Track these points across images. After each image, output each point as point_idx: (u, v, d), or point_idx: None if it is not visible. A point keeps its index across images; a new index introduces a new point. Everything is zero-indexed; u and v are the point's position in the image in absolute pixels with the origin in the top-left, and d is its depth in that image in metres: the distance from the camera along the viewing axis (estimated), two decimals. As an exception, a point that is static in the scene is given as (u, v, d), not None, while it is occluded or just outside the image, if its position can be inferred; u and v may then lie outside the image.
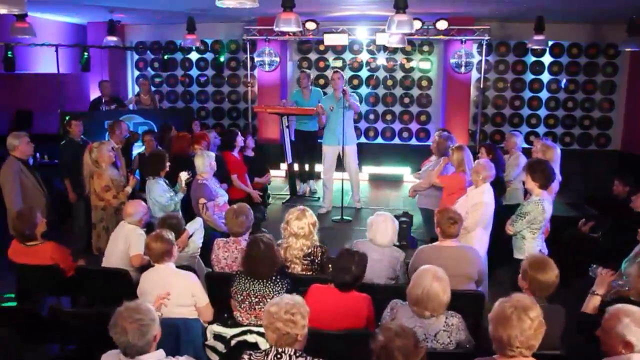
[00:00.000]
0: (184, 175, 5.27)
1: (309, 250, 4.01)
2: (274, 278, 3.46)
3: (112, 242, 4.53)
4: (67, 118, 6.94)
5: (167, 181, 5.34)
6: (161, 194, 5.18)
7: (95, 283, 4.43)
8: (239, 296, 3.47)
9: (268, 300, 3.37)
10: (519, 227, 4.40)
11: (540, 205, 4.36)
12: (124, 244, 4.39)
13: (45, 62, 9.20)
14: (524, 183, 5.96)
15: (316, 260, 4.02)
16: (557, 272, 3.11)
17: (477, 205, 4.78)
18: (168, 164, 5.31)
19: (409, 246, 5.53)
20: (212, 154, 5.40)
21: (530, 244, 4.43)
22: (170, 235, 3.67)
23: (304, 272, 4.02)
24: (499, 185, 5.61)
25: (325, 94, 9.80)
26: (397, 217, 5.71)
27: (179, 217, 4.42)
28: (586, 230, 6.34)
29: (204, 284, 4.17)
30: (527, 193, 5.61)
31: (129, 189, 5.43)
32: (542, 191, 4.45)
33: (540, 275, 3.09)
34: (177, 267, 4.03)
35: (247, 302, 3.45)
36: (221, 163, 5.89)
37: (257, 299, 3.43)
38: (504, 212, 5.73)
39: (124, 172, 6.30)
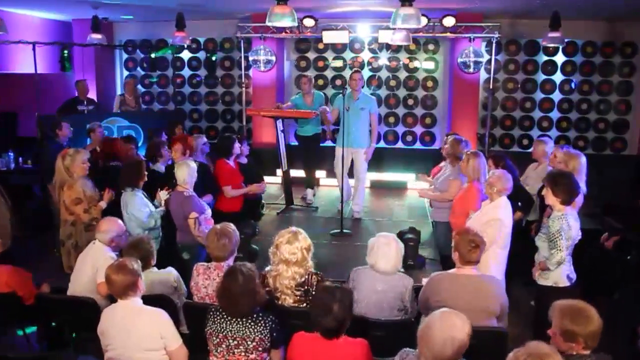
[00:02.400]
0: (163, 195, 4.76)
1: (302, 279, 3.47)
2: (255, 316, 2.92)
3: (78, 265, 4.00)
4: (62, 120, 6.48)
5: (145, 193, 4.81)
6: (140, 208, 4.66)
7: (59, 313, 3.90)
8: (214, 338, 2.95)
9: (249, 343, 2.89)
10: (560, 250, 3.81)
11: (564, 221, 3.85)
12: (91, 269, 3.86)
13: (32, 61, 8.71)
14: (540, 196, 5.45)
15: (311, 290, 3.47)
16: (599, 322, 2.54)
17: (491, 222, 4.25)
18: (146, 173, 4.77)
19: (417, 267, 4.95)
20: (194, 164, 4.82)
21: (557, 268, 3.89)
22: (136, 265, 3.11)
23: (297, 304, 3.46)
24: (523, 200, 5.03)
25: (326, 96, 9.31)
26: (402, 233, 5.23)
27: (150, 242, 3.84)
28: (610, 246, 5.79)
29: (180, 319, 3.67)
30: (544, 207, 5.10)
31: (103, 204, 4.86)
32: (564, 206, 3.91)
33: (579, 328, 2.52)
34: (150, 297, 3.51)
35: (224, 346, 2.94)
36: (206, 172, 5.32)
37: (235, 342, 2.92)
38: (522, 228, 5.21)
39: None
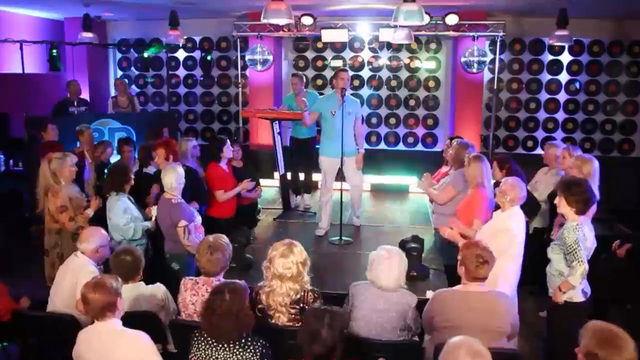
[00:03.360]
0: (155, 210, 4.52)
1: (298, 296, 3.20)
2: (243, 341, 2.67)
3: (58, 279, 3.76)
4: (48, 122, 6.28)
5: (132, 199, 4.60)
6: (120, 214, 4.43)
7: (37, 330, 3.63)
8: (199, 366, 2.67)
9: (237, 370, 2.61)
10: (582, 262, 3.56)
11: (580, 231, 3.61)
12: (70, 283, 3.60)
13: (29, 62, 8.48)
14: (551, 203, 5.21)
15: (307, 308, 3.19)
16: (631, 355, 2.27)
17: (501, 232, 3.99)
18: (132, 177, 4.58)
19: (420, 278, 4.67)
20: (181, 168, 4.56)
21: (575, 281, 3.64)
22: (115, 283, 2.84)
23: (291, 323, 3.19)
24: (530, 206, 4.76)
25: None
26: (405, 242, 4.92)
27: (138, 251, 3.58)
28: (622, 255, 5.52)
29: (167, 337, 3.41)
30: (555, 215, 4.86)
31: (90, 212, 4.62)
32: (579, 216, 3.66)
33: (604, 354, 2.26)
34: (135, 314, 3.26)
35: (210, 374, 2.66)
36: (194, 178, 5.04)
37: (222, 371, 2.64)
38: (531, 237, 4.94)
39: (91, 189, 5.50)
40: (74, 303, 3.56)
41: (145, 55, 9.26)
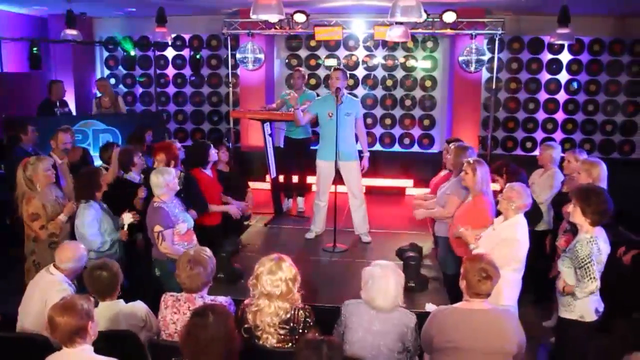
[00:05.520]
0: (127, 218, 4.25)
1: (288, 315, 2.93)
2: None
3: (27, 296, 3.49)
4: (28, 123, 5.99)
5: (105, 206, 4.34)
6: (88, 224, 4.17)
7: (4, 352, 3.35)
8: (177, 399, 2.40)
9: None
10: (594, 279, 3.33)
11: (594, 244, 3.37)
12: (39, 301, 3.33)
13: (11, 60, 8.18)
14: (554, 207, 4.98)
15: (297, 328, 2.94)
16: None
17: (507, 241, 3.76)
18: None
19: (418, 289, 4.41)
20: (172, 171, 4.28)
21: (583, 299, 3.41)
22: (86, 305, 2.56)
23: (281, 345, 2.93)
24: (533, 213, 4.51)
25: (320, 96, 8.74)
26: (402, 250, 4.68)
27: (114, 269, 3.28)
28: (628, 262, 5.30)
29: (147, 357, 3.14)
30: (560, 218, 4.63)
31: (62, 218, 4.34)
32: (593, 227, 3.43)
33: None
34: (112, 333, 3.00)
35: (189, 408, 2.39)
36: (191, 184, 4.78)
37: (204, 403, 2.37)
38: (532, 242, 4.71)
39: (69, 194, 5.21)
40: (43, 323, 3.28)
41: (132, 53, 8.94)
